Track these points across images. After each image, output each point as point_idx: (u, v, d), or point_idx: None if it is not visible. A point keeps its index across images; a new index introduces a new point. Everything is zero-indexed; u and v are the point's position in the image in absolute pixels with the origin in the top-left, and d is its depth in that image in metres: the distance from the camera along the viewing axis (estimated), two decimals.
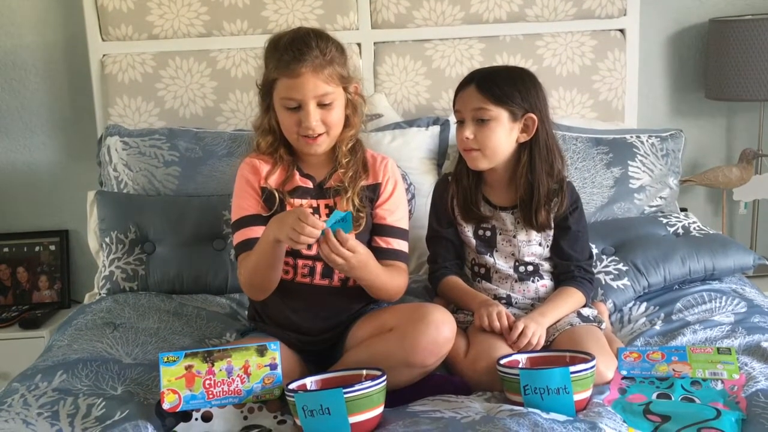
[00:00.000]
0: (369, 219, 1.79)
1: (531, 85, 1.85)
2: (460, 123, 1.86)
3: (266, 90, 1.77)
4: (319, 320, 1.76)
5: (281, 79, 1.71)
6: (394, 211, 1.81)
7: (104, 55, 2.55)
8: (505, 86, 1.82)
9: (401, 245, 1.80)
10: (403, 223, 1.83)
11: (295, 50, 1.69)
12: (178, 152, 2.37)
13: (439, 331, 1.60)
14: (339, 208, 1.75)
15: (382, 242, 1.78)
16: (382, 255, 1.76)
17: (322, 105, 1.72)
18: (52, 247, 2.77)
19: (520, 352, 1.68)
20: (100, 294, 2.23)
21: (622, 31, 2.61)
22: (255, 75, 2.52)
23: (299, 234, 1.54)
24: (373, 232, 1.79)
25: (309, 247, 1.72)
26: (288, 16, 2.54)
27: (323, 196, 1.78)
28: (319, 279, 1.76)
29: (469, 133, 1.82)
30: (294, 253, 1.74)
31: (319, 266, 1.75)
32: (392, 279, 1.74)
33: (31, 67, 2.71)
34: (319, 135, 1.73)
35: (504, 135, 1.83)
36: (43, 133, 2.76)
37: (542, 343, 1.73)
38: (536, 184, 1.84)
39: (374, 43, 2.58)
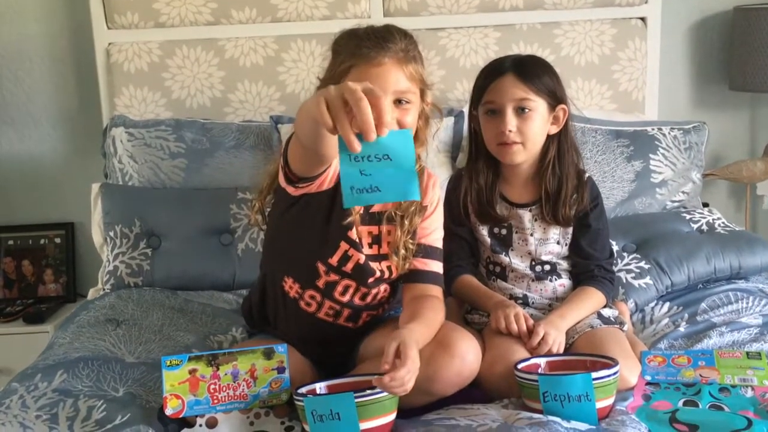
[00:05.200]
0: None
1: (556, 74, 1.79)
2: (491, 114, 1.77)
3: (334, 83, 1.49)
4: (331, 350, 1.68)
5: (358, 66, 1.49)
6: (434, 231, 1.68)
7: (110, 44, 2.50)
8: (543, 75, 1.75)
9: (438, 267, 1.67)
10: (440, 243, 1.70)
11: (379, 38, 1.51)
12: (185, 144, 2.31)
13: (465, 363, 1.49)
14: (392, 241, 1.58)
15: (419, 263, 1.64)
16: (420, 278, 1.64)
17: (398, 103, 1.52)
18: (58, 240, 2.72)
19: (540, 355, 1.61)
20: (103, 289, 2.19)
21: (643, 19, 2.54)
22: (264, 64, 2.49)
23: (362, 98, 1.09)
24: None
25: (344, 293, 1.60)
26: (298, 4, 2.48)
27: (371, 221, 1.61)
28: (343, 321, 1.65)
29: (512, 125, 1.73)
30: (326, 293, 1.60)
31: (346, 312, 1.64)
32: (435, 324, 1.55)
33: (36, 57, 2.66)
34: None
35: (542, 126, 1.75)
36: (48, 123, 2.71)
37: (562, 348, 1.65)
38: (564, 177, 1.77)
39: None
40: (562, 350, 1.65)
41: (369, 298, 1.64)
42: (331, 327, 1.65)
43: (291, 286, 1.63)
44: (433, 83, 1.67)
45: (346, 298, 1.62)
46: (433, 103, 1.64)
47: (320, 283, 1.60)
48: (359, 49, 1.51)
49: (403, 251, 1.60)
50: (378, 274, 1.61)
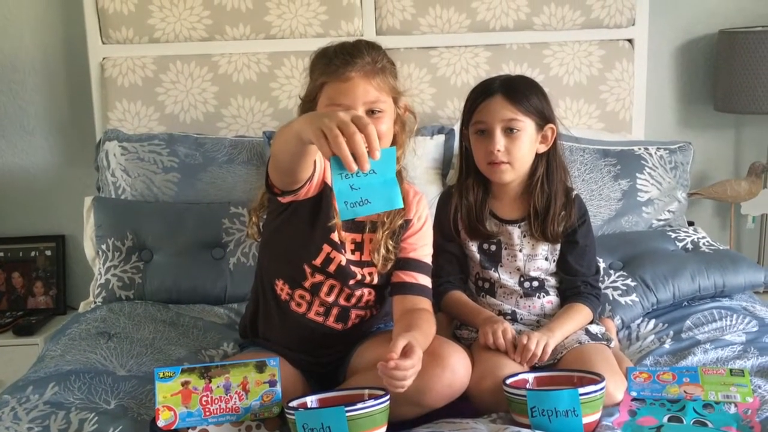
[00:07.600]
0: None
1: (544, 94, 1.83)
2: (481, 134, 1.81)
3: (310, 99, 1.64)
4: (323, 355, 1.72)
5: (329, 83, 1.60)
6: (421, 246, 1.72)
7: (104, 58, 2.51)
8: (531, 96, 1.79)
9: (426, 281, 1.71)
10: (429, 259, 1.74)
11: (345, 54, 1.60)
12: (178, 158, 2.33)
13: (456, 376, 1.53)
14: (373, 247, 1.65)
15: (407, 276, 1.69)
16: (409, 290, 1.68)
17: (370, 113, 1.59)
18: (48, 253, 2.72)
19: (528, 371, 1.63)
20: (95, 302, 2.19)
21: (630, 41, 2.58)
22: (257, 80, 2.51)
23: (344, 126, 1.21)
24: (397, 266, 1.70)
25: (329, 293, 1.67)
26: (292, 21, 2.50)
27: (355, 230, 1.67)
28: (332, 321, 1.69)
29: (500, 145, 1.77)
30: (313, 293, 1.67)
31: (335, 310, 1.69)
32: (430, 336, 1.60)
33: (30, 70, 2.67)
34: None
35: (530, 146, 1.79)
36: (41, 136, 2.72)
37: (548, 353, 1.68)
38: (552, 195, 1.81)
39: None
40: (547, 355, 1.67)
41: (353, 300, 1.69)
42: (321, 328, 1.69)
43: (282, 288, 1.69)
44: (407, 89, 1.74)
45: (331, 299, 1.68)
46: (407, 108, 1.71)
47: (307, 284, 1.67)
48: (329, 66, 1.60)
49: (383, 251, 1.66)
50: (359, 277, 1.67)
